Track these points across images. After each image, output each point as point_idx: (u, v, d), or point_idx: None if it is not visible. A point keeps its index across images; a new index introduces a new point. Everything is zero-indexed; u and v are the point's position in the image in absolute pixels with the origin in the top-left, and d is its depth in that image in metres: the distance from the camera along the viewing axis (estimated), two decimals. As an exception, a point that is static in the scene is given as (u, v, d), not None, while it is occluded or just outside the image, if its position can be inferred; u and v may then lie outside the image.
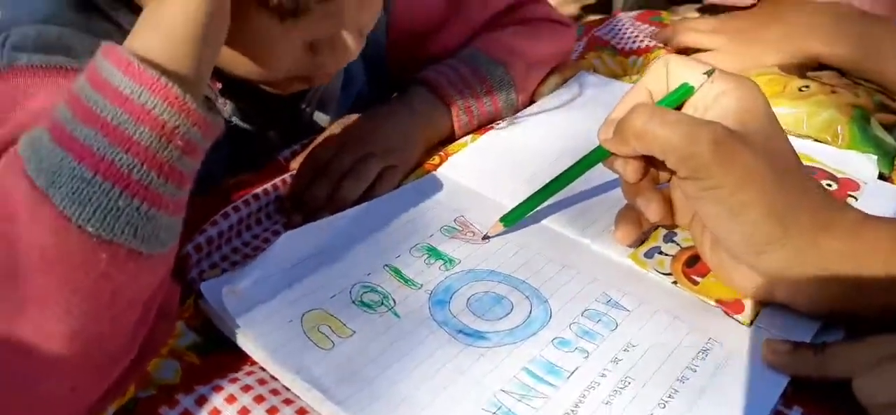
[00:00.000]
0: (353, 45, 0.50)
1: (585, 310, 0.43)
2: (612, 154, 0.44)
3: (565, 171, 0.48)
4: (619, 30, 0.87)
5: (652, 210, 0.45)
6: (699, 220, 0.44)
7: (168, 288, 0.41)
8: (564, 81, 0.71)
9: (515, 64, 0.67)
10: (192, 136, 0.36)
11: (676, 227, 0.48)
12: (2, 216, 0.34)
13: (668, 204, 0.46)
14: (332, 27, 0.49)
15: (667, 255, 0.47)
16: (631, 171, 0.44)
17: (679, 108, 0.43)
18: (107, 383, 0.37)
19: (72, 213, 0.33)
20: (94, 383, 0.37)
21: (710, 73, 0.42)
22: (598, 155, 0.46)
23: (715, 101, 0.41)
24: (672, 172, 0.41)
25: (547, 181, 0.49)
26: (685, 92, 0.43)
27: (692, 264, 0.46)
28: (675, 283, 0.45)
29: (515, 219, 0.50)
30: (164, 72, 0.35)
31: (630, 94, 0.45)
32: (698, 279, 0.45)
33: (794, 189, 0.39)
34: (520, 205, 0.50)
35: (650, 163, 0.43)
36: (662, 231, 0.49)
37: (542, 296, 0.44)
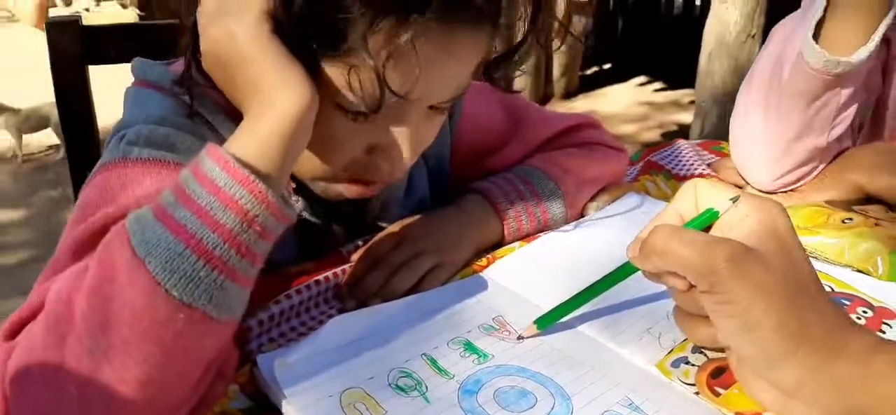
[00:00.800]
0: (407, 156, 0.56)
1: (606, 410, 0.45)
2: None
3: (598, 281, 0.52)
4: (677, 156, 0.90)
5: None
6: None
7: (227, 353, 0.46)
8: (613, 200, 0.75)
9: (566, 180, 0.71)
10: (268, 223, 0.43)
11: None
12: (104, 278, 0.40)
13: None
14: (392, 133, 0.55)
15: (693, 365, 0.49)
16: (675, 282, 0.45)
17: (706, 231, 0.46)
18: (166, 430, 0.42)
19: (162, 279, 0.39)
20: (156, 429, 0.42)
21: (735, 200, 0.45)
22: (629, 269, 0.49)
23: (739, 223, 0.44)
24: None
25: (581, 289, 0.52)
26: (710, 217, 0.46)
27: (717, 376, 0.48)
28: (697, 393, 0.47)
29: (549, 322, 0.53)
30: (253, 171, 0.42)
31: (660, 215, 0.48)
32: (721, 391, 0.46)
33: (808, 308, 0.41)
34: (553, 310, 0.53)
35: None
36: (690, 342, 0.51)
37: (566, 394, 0.47)
